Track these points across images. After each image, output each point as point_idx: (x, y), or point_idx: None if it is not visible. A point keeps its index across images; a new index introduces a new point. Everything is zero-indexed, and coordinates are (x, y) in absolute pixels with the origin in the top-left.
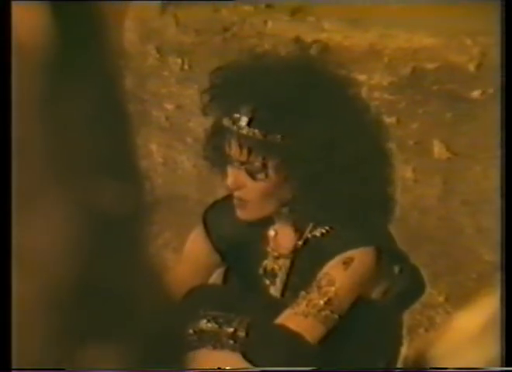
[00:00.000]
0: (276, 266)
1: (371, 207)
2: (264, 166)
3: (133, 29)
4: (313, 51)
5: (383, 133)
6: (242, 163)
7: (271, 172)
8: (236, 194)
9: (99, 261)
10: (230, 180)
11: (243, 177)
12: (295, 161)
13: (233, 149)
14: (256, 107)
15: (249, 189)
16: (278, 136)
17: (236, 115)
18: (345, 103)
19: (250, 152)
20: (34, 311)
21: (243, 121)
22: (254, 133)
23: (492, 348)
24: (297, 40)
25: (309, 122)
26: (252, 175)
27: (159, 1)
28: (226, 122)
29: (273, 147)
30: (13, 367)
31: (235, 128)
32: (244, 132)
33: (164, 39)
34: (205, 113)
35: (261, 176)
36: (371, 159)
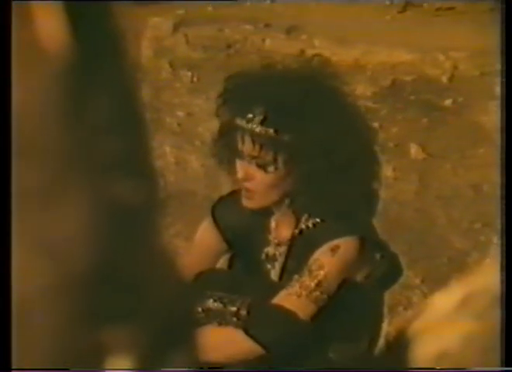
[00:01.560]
0: (277, 253)
1: (358, 201)
2: (275, 160)
3: (148, 46)
4: (314, 63)
5: (372, 136)
6: (253, 158)
7: (280, 165)
8: (244, 185)
9: (118, 248)
10: (240, 173)
11: (253, 170)
12: (299, 157)
13: (246, 145)
14: (266, 109)
15: (257, 181)
16: (287, 134)
17: (250, 115)
18: (341, 109)
19: (261, 147)
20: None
21: (257, 120)
22: (266, 131)
23: (467, 324)
24: (301, 53)
25: (310, 124)
26: (264, 168)
27: (171, 23)
28: (239, 121)
29: (282, 144)
30: (13, 367)
31: (248, 126)
32: (258, 130)
33: (176, 55)
34: (217, 115)
35: (271, 168)
36: (361, 159)
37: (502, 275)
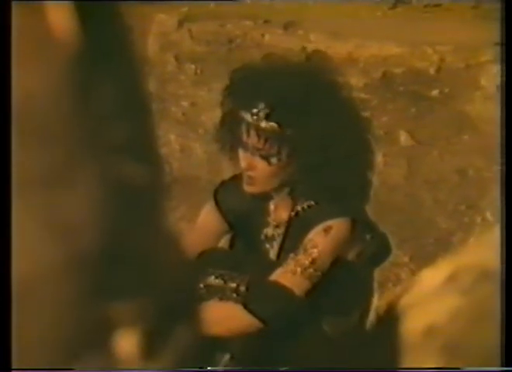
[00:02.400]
0: (275, 233)
1: (352, 187)
2: (279, 152)
3: (155, 41)
4: (314, 58)
5: (367, 127)
6: (258, 150)
7: (283, 157)
8: (247, 173)
9: (126, 229)
10: (243, 163)
11: (257, 161)
12: (301, 149)
13: (251, 138)
14: (270, 103)
15: (259, 170)
16: (290, 129)
17: (255, 110)
18: (339, 102)
19: (266, 141)
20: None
21: (262, 115)
22: (271, 126)
23: (453, 299)
24: (302, 49)
25: (311, 118)
26: (267, 159)
27: (176, 19)
28: (244, 114)
29: (286, 137)
30: (13, 367)
31: (254, 121)
32: (263, 125)
33: (181, 50)
34: (222, 105)
35: (274, 160)
36: (356, 149)
37: (502, 275)
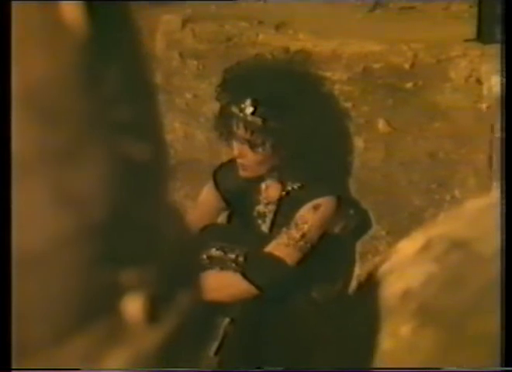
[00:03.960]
0: (266, 210)
1: (336, 170)
2: (263, 143)
3: (161, 39)
4: (300, 56)
5: (346, 116)
6: (245, 140)
7: (267, 147)
8: (239, 161)
9: (135, 206)
10: (235, 151)
11: (246, 150)
12: (285, 140)
13: (240, 130)
14: (257, 99)
15: (249, 158)
16: (274, 122)
17: (243, 105)
18: (321, 96)
19: (252, 132)
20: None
21: (249, 110)
22: (256, 120)
23: (426, 266)
24: (286, 50)
25: (294, 112)
26: (253, 148)
27: (180, 20)
28: (234, 109)
29: (269, 130)
30: (13, 367)
31: (242, 115)
32: (249, 119)
33: (184, 47)
34: (217, 99)
35: (259, 149)
36: (339, 136)
37: (502, 276)
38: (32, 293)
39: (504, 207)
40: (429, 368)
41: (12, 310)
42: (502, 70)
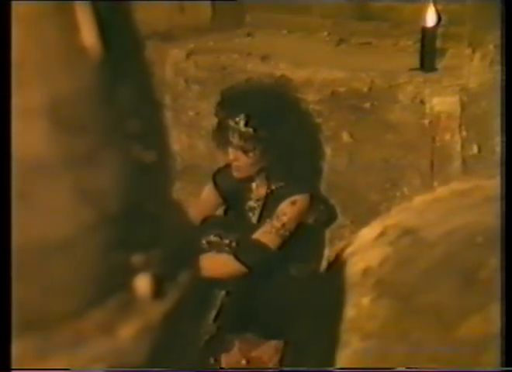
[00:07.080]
0: (256, 205)
1: (310, 173)
2: (254, 148)
3: (170, 68)
4: (281, 81)
5: (318, 130)
6: (240, 146)
7: (257, 152)
8: (234, 163)
9: (146, 201)
10: (231, 156)
11: (239, 155)
12: (271, 147)
13: (235, 139)
14: (249, 114)
15: (242, 161)
16: (262, 132)
17: (237, 119)
18: (298, 113)
19: (245, 140)
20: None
21: (242, 123)
22: (248, 130)
23: (382, 249)
24: (271, 76)
25: (278, 125)
26: (246, 153)
27: (184, 53)
28: (230, 122)
29: (259, 138)
30: (13, 367)
31: (236, 126)
32: (243, 129)
33: (188, 74)
34: (216, 115)
35: (251, 154)
36: (312, 145)
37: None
38: (55, 273)
39: (504, 207)
40: (429, 368)
41: (39, 286)
42: (502, 71)
